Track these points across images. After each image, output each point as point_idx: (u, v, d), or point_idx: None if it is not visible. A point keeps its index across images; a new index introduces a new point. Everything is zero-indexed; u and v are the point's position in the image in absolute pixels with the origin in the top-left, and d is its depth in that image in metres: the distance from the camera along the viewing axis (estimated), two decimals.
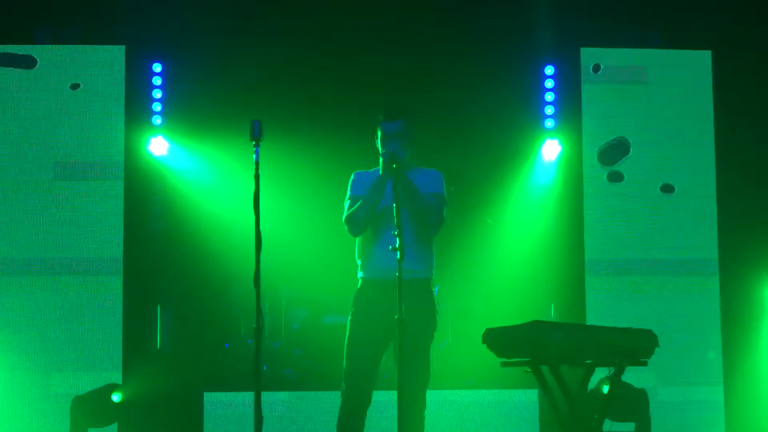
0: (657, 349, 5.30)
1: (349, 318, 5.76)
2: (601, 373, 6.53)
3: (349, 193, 5.84)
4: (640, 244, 8.69)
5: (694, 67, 8.82)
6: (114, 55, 8.56)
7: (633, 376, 7.28)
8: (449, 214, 5.85)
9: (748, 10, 8.63)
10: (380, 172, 5.73)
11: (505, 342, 5.22)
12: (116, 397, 7.96)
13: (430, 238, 5.77)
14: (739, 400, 8.48)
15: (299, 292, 9.22)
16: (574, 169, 8.79)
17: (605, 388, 7.45)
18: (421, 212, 5.64)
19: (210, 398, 8.11)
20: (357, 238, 5.85)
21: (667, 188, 8.68)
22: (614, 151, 8.59)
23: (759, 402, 8.45)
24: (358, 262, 5.84)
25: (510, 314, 7.41)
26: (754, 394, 8.46)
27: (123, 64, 8.56)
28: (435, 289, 5.96)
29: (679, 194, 8.74)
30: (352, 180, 5.87)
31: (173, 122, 8.70)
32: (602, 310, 8.51)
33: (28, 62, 8.40)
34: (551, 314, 8.61)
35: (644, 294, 8.60)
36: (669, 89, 8.80)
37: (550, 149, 8.85)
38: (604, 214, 8.71)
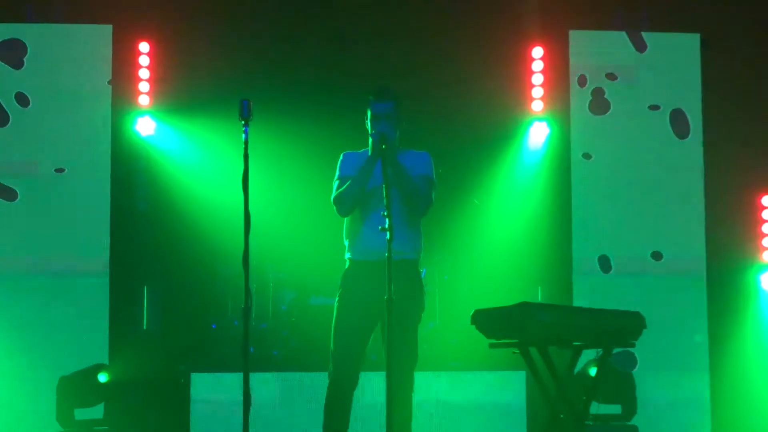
0: (644, 330, 5.32)
1: (337, 299, 5.77)
2: (588, 355, 6.55)
3: (337, 173, 5.83)
4: (627, 229, 8.70)
5: (683, 50, 8.82)
6: (101, 35, 8.50)
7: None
8: (437, 196, 5.85)
9: None
10: (369, 153, 5.72)
11: (494, 323, 5.24)
12: (103, 378, 7.93)
13: (417, 220, 5.78)
14: (725, 383, 8.51)
15: (287, 273, 9.21)
16: (562, 152, 8.79)
17: (592, 370, 7.47)
18: (410, 194, 5.64)
19: (197, 379, 8.10)
20: (345, 219, 5.84)
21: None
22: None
23: (744, 385, 8.48)
24: (346, 242, 5.84)
25: (497, 296, 7.42)
26: (740, 378, 8.50)
27: (110, 43, 8.50)
28: (422, 271, 5.97)
29: (666, 179, 8.74)
30: (341, 160, 5.86)
31: (161, 102, 8.65)
32: (589, 293, 8.53)
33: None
34: (538, 296, 8.63)
35: (631, 277, 8.61)
36: (659, 72, 8.80)
37: (538, 132, 8.84)
38: (591, 196, 8.72)
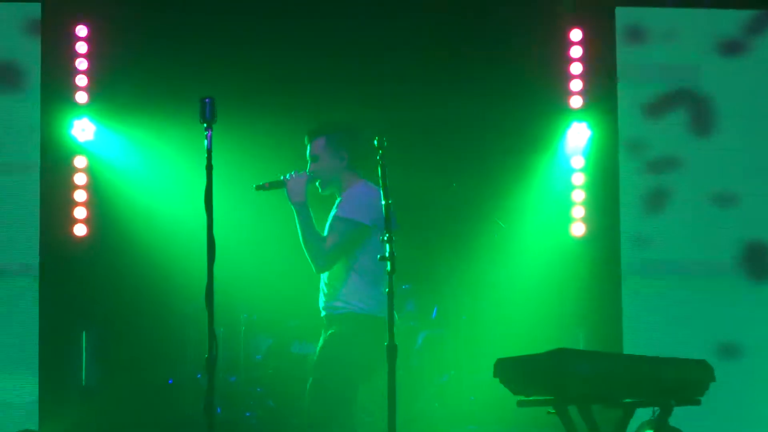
0: (713, 384, 5.33)
1: None
2: (642, 414, 6.57)
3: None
4: (695, 248, 8.72)
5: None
6: (28, 14, 8.54)
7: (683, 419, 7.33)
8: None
9: None
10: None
11: (523, 375, 5.25)
12: None
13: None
14: None
15: (262, 314, 9.22)
16: (607, 160, 8.82)
17: None
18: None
19: None
20: None
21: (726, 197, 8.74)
22: None
23: None
24: None
25: (528, 341, 7.43)
26: None
27: (38, 25, 8.54)
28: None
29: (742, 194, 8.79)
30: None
31: (102, 100, 8.69)
32: (644, 336, 8.55)
33: None
34: (580, 341, 8.65)
35: (698, 315, 8.63)
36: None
37: (578, 135, 8.88)
38: (646, 215, 8.75)
